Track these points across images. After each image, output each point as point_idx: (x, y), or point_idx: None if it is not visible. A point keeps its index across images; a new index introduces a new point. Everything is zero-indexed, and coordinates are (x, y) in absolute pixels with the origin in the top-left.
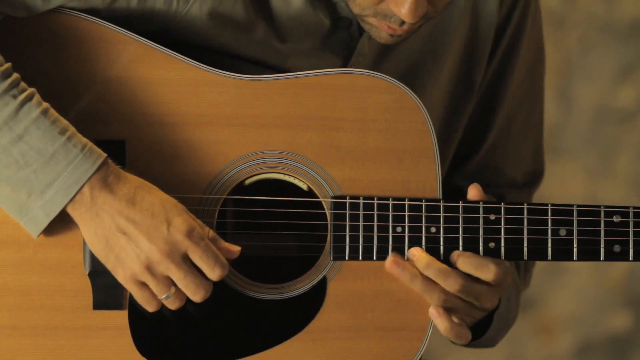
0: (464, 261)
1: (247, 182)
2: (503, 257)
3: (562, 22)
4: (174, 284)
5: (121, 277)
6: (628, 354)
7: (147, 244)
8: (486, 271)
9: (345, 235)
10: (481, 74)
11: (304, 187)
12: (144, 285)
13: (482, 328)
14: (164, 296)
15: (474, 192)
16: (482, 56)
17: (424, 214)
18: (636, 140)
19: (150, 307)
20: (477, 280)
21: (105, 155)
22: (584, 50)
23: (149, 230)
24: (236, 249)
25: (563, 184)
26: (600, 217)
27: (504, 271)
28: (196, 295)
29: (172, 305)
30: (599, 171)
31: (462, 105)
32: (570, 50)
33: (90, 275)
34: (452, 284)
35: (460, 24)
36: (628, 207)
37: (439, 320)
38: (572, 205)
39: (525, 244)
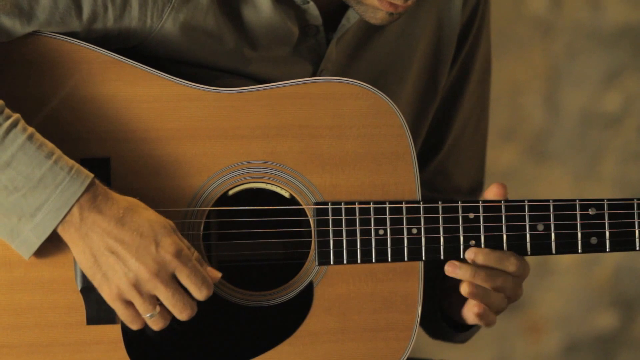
0: (486, 258)
1: (231, 192)
2: None
3: (549, 29)
4: (160, 304)
5: (106, 294)
6: (613, 353)
7: (136, 263)
8: (507, 263)
9: (329, 240)
10: (444, 79)
11: (287, 195)
12: (129, 303)
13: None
14: (149, 315)
15: (495, 190)
16: (445, 61)
17: (404, 216)
18: (621, 144)
19: (134, 326)
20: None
21: (92, 175)
22: (570, 56)
23: (138, 250)
24: (218, 275)
25: (550, 187)
26: (576, 210)
27: (523, 262)
28: (183, 313)
29: (156, 325)
30: (586, 174)
31: (428, 110)
32: (557, 56)
33: (82, 291)
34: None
35: (425, 30)
36: (602, 200)
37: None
38: (548, 200)
39: (504, 240)
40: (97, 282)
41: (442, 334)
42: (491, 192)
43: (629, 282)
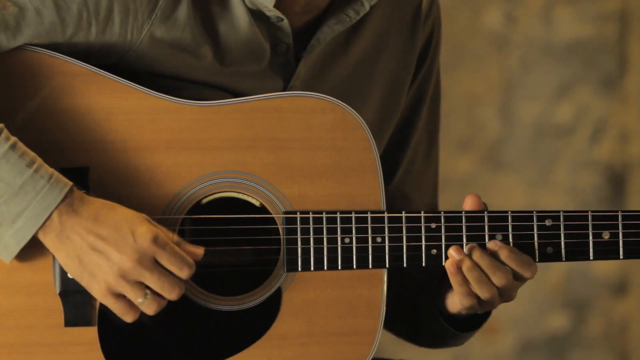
0: (511, 256)
1: (204, 201)
2: (444, 263)
3: (504, 43)
4: (148, 289)
5: (96, 292)
6: (565, 352)
7: (118, 255)
8: (528, 270)
9: (297, 248)
10: (404, 101)
11: (257, 204)
12: (120, 296)
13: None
14: (140, 300)
15: (471, 201)
16: (405, 85)
17: (369, 225)
18: (573, 154)
19: (129, 317)
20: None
21: (71, 184)
22: (524, 69)
23: (117, 243)
24: (200, 250)
25: (505, 195)
26: (533, 221)
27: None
28: (172, 294)
29: (149, 309)
30: (539, 182)
31: (386, 131)
32: (512, 69)
33: (60, 294)
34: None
35: (387, 53)
36: (559, 211)
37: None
38: (507, 212)
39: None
40: (85, 282)
41: (441, 338)
42: (467, 204)
43: (580, 285)
